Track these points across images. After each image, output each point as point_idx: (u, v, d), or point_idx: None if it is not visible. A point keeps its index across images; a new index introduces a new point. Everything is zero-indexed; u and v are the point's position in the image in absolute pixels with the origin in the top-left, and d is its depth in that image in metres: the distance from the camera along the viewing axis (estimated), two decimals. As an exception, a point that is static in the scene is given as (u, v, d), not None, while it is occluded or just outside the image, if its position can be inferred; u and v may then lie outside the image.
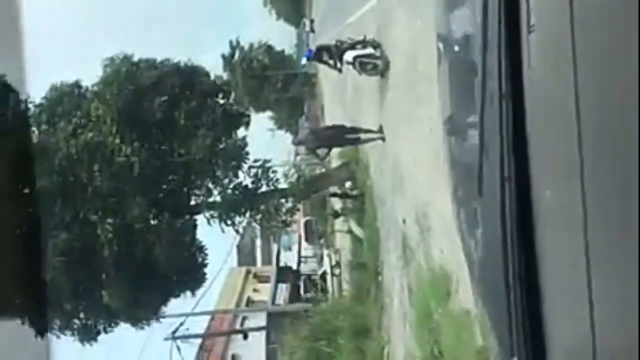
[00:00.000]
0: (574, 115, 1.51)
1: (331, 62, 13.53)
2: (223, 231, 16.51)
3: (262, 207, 16.59)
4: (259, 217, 16.67)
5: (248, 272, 33.83)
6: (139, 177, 14.85)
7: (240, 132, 18.47)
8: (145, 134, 15.49)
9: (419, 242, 9.85)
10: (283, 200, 16.85)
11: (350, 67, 13.31)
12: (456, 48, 2.54)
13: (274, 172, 17.02)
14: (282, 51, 60.30)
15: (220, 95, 17.67)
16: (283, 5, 64.89)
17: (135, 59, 16.53)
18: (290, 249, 34.90)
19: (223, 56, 57.91)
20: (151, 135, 15.94)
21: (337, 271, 26.36)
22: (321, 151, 13.94)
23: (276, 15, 67.65)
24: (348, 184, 18.49)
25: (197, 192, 16.11)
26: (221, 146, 16.27)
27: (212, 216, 16.04)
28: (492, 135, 1.93)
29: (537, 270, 1.84)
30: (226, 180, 16.12)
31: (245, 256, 38.02)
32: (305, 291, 31.13)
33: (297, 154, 41.01)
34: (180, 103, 16.22)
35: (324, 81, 39.18)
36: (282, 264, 36.76)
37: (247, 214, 16.49)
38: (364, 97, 16.43)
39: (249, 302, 31.15)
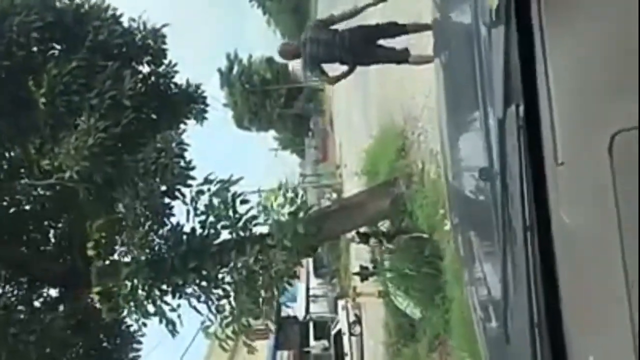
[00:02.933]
0: (620, 263, 1.34)
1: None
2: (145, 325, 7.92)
3: (221, 276, 7.95)
4: (213, 301, 7.94)
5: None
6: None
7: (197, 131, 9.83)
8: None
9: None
10: (263, 258, 8.15)
11: None
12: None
13: (245, 201, 8.33)
14: (285, 64, 53.76)
15: (147, 60, 9.09)
16: (287, 24, 58.77)
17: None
18: (295, 299, 26.31)
19: (220, 71, 51.85)
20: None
21: (356, 330, 20.47)
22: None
23: (280, 35, 61.82)
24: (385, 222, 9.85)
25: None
26: (140, 157, 7.64)
27: (111, 307, 7.43)
28: (517, 275, 1.72)
29: None
30: (144, 225, 7.53)
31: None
32: (316, 337, 25.35)
33: (301, 175, 33.68)
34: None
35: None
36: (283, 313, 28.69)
37: (189, 295, 7.87)
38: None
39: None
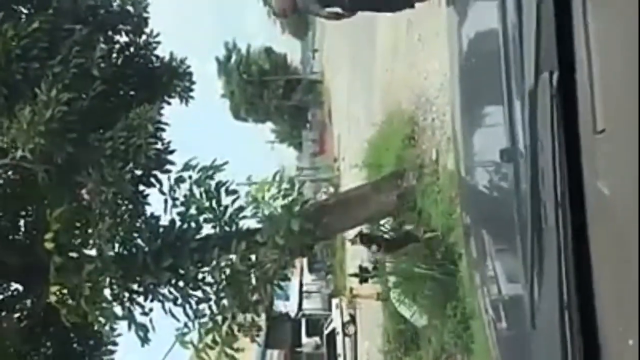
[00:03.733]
0: None
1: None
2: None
3: (204, 276, 6.82)
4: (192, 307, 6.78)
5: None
6: None
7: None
8: None
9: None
10: (253, 258, 7.01)
11: None
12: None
13: (232, 192, 7.18)
14: (284, 55, 53.39)
15: (125, 28, 7.92)
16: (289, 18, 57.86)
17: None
18: (288, 298, 25.27)
19: (217, 59, 50.98)
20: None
21: (350, 329, 19.59)
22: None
23: (281, 28, 61.05)
24: (390, 219, 8.66)
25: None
26: (108, 136, 6.48)
27: (71, 309, 6.29)
28: (546, 257, 1.61)
29: None
30: (115, 213, 6.39)
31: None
32: (308, 334, 24.63)
33: (298, 168, 32.66)
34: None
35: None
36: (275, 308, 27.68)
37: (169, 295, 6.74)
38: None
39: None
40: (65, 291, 6.72)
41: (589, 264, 1.48)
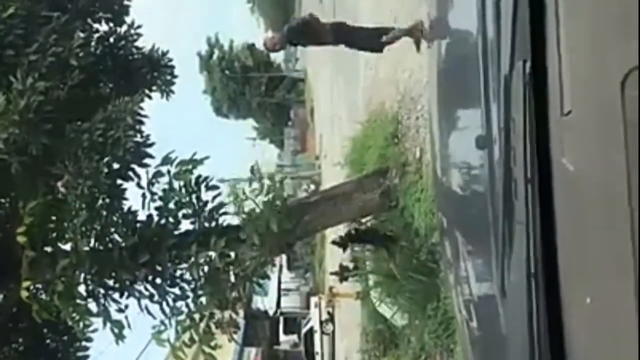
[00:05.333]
0: (627, 209, 1.31)
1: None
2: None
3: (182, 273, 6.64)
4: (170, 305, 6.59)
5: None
6: None
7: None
8: None
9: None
10: (232, 255, 6.84)
11: None
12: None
13: (213, 187, 7.00)
14: (267, 53, 52.80)
15: (105, 17, 7.69)
16: (270, 13, 57.72)
17: None
18: (266, 294, 25.05)
19: (199, 55, 50.59)
20: None
21: (328, 328, 19.55)
22: None
23: (264, 25, 60.86)
24: (372, 217, 8.54)
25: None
26: (85, 127, 6.26)
27: (43, 305, 6.08)
28: (516, 229, 1.74)
29: None
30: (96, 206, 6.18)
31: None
32: (286, 332, 24.72)
33: (279, 165, 32.44)
34: None
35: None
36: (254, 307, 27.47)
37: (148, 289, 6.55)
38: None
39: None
40: (38, 286, 6.51)
41: (554, 234, 1.60)
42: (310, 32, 6.80)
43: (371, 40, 6.78)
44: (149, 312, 6.86)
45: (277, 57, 53.57)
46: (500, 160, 1.82)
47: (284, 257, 26.95)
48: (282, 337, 25.31)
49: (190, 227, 7.06)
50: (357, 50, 7.91)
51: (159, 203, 6.78)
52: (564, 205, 1.58)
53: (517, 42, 1.66)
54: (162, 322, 6.78)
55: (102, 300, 6.65)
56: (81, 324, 6.92)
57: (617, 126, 1.32)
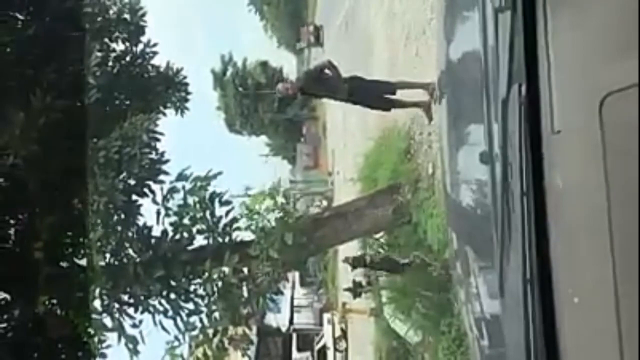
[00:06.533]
0: (606, 221, 1.48)
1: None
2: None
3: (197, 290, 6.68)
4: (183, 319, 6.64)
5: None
6: None
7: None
8: None
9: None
10: (245, 271, 6.87)
11: None
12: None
13: (226, 202, 7.07)
14: (280, 69, 53.36)
15: (122, 37, 7.83)
16: (283, 31, 58.18)
17: None
18: (279, 310, 24.98)
19: (213, 72, 51.03)
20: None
21: (341, 345, 19.36)
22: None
23: (277, 42, 61.41)
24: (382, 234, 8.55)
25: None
26: (102, 145, 6.37)
27: (60, 321, 6.12)
28: (513, 239, 1.89)
29: None
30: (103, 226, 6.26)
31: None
32: (299, 349, 24.45)
33: (291, 181, 32.46)
34: None
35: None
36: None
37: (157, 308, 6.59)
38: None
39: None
40: (54, 301, 6.58)
41: (548, 243, 1.74)
42: (327, 82, 7.11)
43: (380, 101, 7.21)
44: (163, 327, 6.91)
45: (290, 74, 54.00)
46: (499, 177, 1.97)
47: (296, 273, 26.88)
48: (295, 354, 25.16)
49: (204, 242, 7.12)
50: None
51: (173, 219, 6.85)
52: (555, 218, 1.73)
53: (513, 67, 1.82)
54: (176, 338, 6.82)
55: (116, 315, 6.70)
56: (96, 339, 6.98)
57: (597, 146, 1.47)
